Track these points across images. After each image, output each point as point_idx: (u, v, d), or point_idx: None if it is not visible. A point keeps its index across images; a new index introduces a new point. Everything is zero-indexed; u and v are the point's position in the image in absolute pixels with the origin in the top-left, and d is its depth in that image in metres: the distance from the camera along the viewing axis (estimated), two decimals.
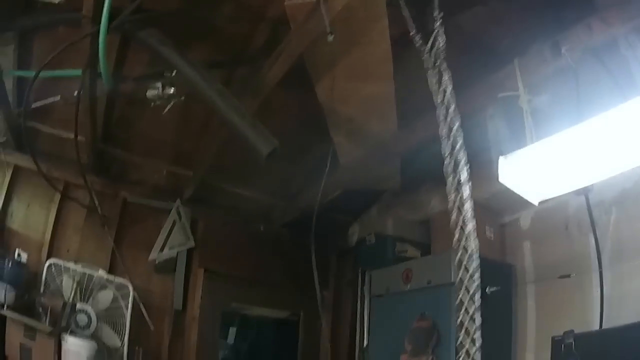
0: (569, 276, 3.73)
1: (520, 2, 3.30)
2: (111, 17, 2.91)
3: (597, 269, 3.59)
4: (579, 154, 2.50)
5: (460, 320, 0.77)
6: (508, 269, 4.27)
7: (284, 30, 3.25)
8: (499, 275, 4.12)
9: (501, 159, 2.74)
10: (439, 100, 1.03)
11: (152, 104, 3.80)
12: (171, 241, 5.36)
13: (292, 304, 5.90)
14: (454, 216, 1.16)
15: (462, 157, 0.81)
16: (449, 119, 0.89)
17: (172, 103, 3.82)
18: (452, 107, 1.12)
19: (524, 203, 3.88)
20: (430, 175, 4.66)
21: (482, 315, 3.77)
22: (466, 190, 1.03)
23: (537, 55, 3.03)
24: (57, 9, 3.43)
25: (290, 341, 5.84)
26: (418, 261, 4.62)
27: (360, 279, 5.74)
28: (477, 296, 1.50)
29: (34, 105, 4.31)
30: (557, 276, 3.81)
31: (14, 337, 3.98)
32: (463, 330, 1.07)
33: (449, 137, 0.86)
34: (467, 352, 0.72)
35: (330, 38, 2.78)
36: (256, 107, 3.70)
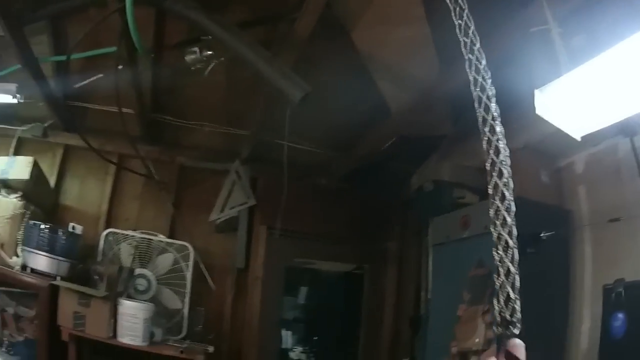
0: (618, 220, 3.52)
1: None
2: None
3: None
4: (618, 81, 2.32)
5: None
6: (565, 214, 4.08)
7: None
8: (555, 221, 3.94)
9: (536, 92, 2.59)
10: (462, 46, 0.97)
11: (193, 68, 3.78)
12: (231, 201, 5.36)
13: (357, 256, 5.85)
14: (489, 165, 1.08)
15: (492, 102, 0.75)
16: (474, 63, 0.83)
17: (212, 65, 3.80)
18: (477, 46, 1.03)
19: (577, 146, 3.72)
20: None
21: (537, 262, 3.65)
22: (499, 135, 0.94)
23: None
24: None
25: (356, 294, 5.80)
26: (475, 207, 4.46)
27: (423, 229, 5.61)
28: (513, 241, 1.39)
29: (76, 86, 4.38)
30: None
31: (67, 306, 4.07)
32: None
33: (475, 84, 0.80)
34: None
35: None
36: (294, 61, 3.62)
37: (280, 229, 5.44)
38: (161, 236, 4.96)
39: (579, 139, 2.83)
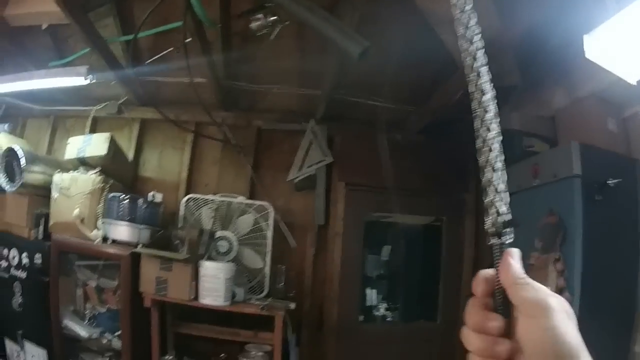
0: None
1: None
2: None
3: None
4: None
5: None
6: (633, 163, 4.00)
7: None
8: (623, 169, 3.87)
9: (585, 37, 2.59)
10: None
11: (259, 34, 3.90)
12: (309, 159, 5.50)
13: (435, 209, 5.89)
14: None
15: (484, 70, 0.78)
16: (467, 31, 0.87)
17: (277, 29, 3.90)
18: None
19: None
20: (551, 69, 4.45)
21: (605, 209, 3.62)
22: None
23: None
24: None
25: (435, 247, 5.84)
26: (543, 155, 4.41)
27: None
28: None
29: (147, 62, 4.56)
30: None
31: (149, 272, 4.29)
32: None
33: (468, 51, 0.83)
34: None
35: None
36: (358, 19, 3.69)
37: (358, 184, 5.55)
38: (241, 198, 5.13)
39: (634, 82, 2.80)
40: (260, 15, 3.84)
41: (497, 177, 0.84)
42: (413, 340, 5.54)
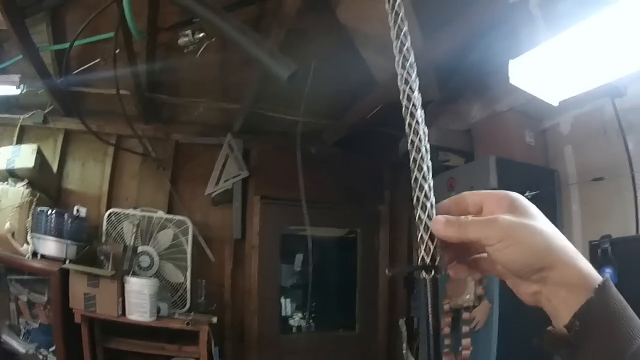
0: (602, 179, 3.68)
1: None
2: None
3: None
4: (588, 51, 2.44)
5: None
6: (550, 174, 4.23)
7: None
8: (541, 180, 4.09)
9: (511, 62, 2.73)
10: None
11: (186, 49, 3.91)
12: (226, 174, 5.53)
13: (350, 221, 6.03)
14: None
15: (414, 82, 0.82)
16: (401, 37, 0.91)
17: (204, 46, 3.92)
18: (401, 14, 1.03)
19: (563, 108, 3.85)
20: (469, 84, 4.63)
21: None
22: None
23: None
24: None
25: (351, 258, 5.98)
26: (460, 168, 4.61)
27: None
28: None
29: (76, 72, 4.50)
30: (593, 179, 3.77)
31: (78, 288, 4.23)
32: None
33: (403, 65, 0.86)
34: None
35: None
36: (283, 36, 3.76)
37: (274, 197, 5.62)
38: (160, 212, 5.11)
39: (556, 104, 2.98)
40: (187, 31, 3.86)
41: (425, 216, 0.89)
42: (333, 349, 5.66)
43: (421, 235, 0.85)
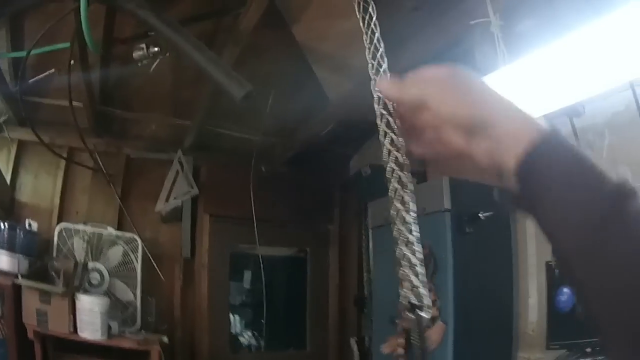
0: None
1: None
2: None
3: None
4: (549, 74, 2.51)
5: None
6: (505, 194, 4.28)
7: None
8: (496, 200, 4.15)
9: None
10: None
11: (140, 63, 3.89)
12: (175, 191, 5.45)
13: (300, 240, 6.05)
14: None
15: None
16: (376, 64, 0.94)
17: (157, 61, 3.90)
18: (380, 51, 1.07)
19: None
20: None
21: (477, 241, 3.86)
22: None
23: None
24: None
25: (301, 277, 6.00)
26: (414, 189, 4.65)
27: (363, 211, 5.81)
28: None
29: (31, 81, 4.43)
30: None
31: (30, 303, 4.14)
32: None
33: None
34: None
35: None
36: (238, 53, 3.77)
37: (223, 216, 5.60)
38: (110, 229, 5.04)
39: None
40: (142, 46, 3.84)
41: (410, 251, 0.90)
42: None
43: (404, 272, 0.87)
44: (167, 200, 5.43)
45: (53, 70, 4.35)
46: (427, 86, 0.89)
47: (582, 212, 0.71)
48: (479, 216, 3.88)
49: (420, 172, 4.94)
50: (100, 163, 5.24)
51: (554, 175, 0.75)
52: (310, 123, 4.99)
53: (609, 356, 0.69)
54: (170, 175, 5.49)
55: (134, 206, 5.46)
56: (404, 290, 0.86)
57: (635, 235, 0.67)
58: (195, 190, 5.51)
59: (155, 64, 3.95)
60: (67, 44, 3.61)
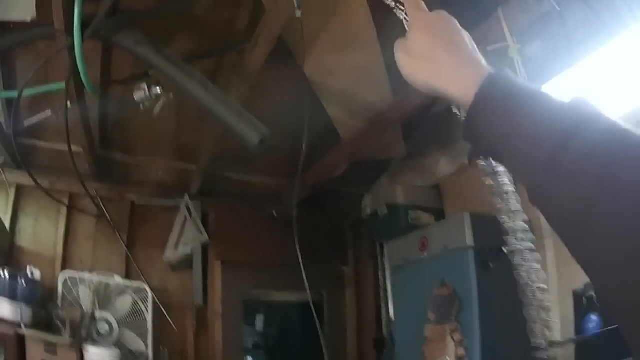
0: None
1: None
2: (85, 26, 2.86)
3: None
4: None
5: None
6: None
7: (263, 11, 3.17)
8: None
9: None
10: None
11: (142, 105, 3.72)
12: (184, 238, 5.31)
13: (314, 283, 5.86)
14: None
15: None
16: None
17: (161, 102, 3.75)
18: None
19: None
20: (435, 138, 4.57)
21: (499, 276, 3.70)
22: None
23: (520, 1, 2.93)
24: (32, 25, 3.38)
25: (316, 319, 5.82)
26: (432, 227, 4.51)
27: (379, 250, 5.67)
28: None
29: (26, 123, 4.29)
30: None
31: (35, 354, 3.98)
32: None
33: None
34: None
35: (299, 14, 2.69)
36: (245, 91, 3.65)
37: (235, 262, 5.44)
38: (118, 278, 4.88)
39: None
40: (143, 85, 3.68)
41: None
42: None
43: (534, 314, 0.87)
44: (175, 248, 5.27)
45: (49, 111, 4.20)
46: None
47: (526, 156, 0.77)
48: (502, 250, 3.75)
49: (438, 209, 4.82)
50: (104, 209, 5.10)
51: (499, 118, 0.81)
52: (320, 164, 4.85)
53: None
54: (177, 221, 5.35)
55: (140, 254, 5.30)
56: (537, 330, 0.80)
57: (582, 174, 0.70)
58: (205, 237, 5.37)
59: (158, 107, 3.79)
60: (62, 85, 3.45)
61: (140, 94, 3.63)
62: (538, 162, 0.73)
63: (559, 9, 2.81)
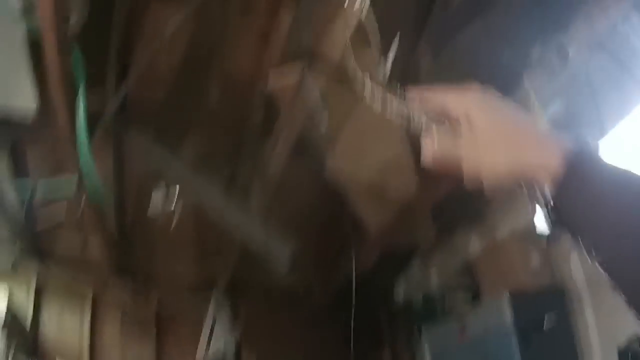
0: None
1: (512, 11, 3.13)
2: (92, 124, 2.74)
3: None
4: None
5: None
6: (561, 296, 3.91)
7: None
8: (554, 305, 3.83)
9: None
10: None
11: (161, 206, 3.62)
12: (215, 339, 5.22)
13: None
14: None
15: None
16: None
17: (177, 215, 3.67)
18: None
19: None
20: (463, 215, 4.47)
21: (543, 349, 3.54)
22: None
23: (544, 64, 2.88)
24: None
25: None
26: (471, 311, 4.36)
27: (416, 338, 5.50)
28: None
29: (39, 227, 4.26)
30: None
31: None
32: None
33: None
34: None
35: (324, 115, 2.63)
36: (266, 201, 3.57)
37: None
38: None
39: None
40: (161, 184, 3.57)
41: None
42: None
43: None
44: (207, 349, 5.16)
45: (63, 222, 4.16)
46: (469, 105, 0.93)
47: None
48: (542, 324, 3.61)
49: (473, 288, 4.66)
50: (129, 308, 5.07)
51: (589, 194, 0.77)
52: (351, 259, 4.72)
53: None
54: (207, 322, 5.26)
55: (171, 352, 5.23)
56: None
57: None
58: (236, 336, 5.29)
59: (175, 220, 3.70)
60: (71, 191, 3.38)
61: (158, 195, 3.54)
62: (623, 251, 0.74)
63: (585, 66, 2.78)
